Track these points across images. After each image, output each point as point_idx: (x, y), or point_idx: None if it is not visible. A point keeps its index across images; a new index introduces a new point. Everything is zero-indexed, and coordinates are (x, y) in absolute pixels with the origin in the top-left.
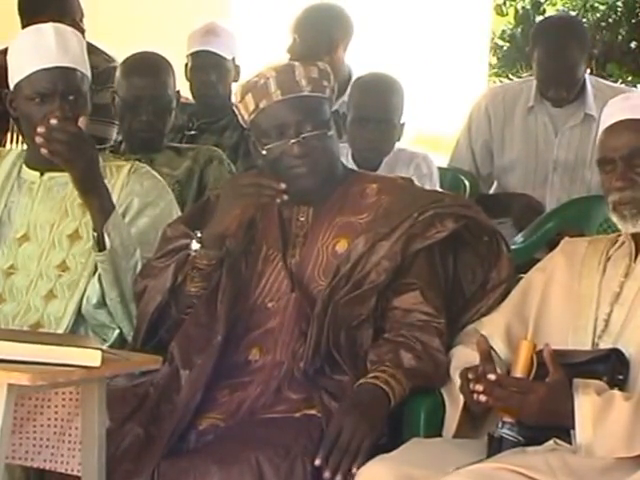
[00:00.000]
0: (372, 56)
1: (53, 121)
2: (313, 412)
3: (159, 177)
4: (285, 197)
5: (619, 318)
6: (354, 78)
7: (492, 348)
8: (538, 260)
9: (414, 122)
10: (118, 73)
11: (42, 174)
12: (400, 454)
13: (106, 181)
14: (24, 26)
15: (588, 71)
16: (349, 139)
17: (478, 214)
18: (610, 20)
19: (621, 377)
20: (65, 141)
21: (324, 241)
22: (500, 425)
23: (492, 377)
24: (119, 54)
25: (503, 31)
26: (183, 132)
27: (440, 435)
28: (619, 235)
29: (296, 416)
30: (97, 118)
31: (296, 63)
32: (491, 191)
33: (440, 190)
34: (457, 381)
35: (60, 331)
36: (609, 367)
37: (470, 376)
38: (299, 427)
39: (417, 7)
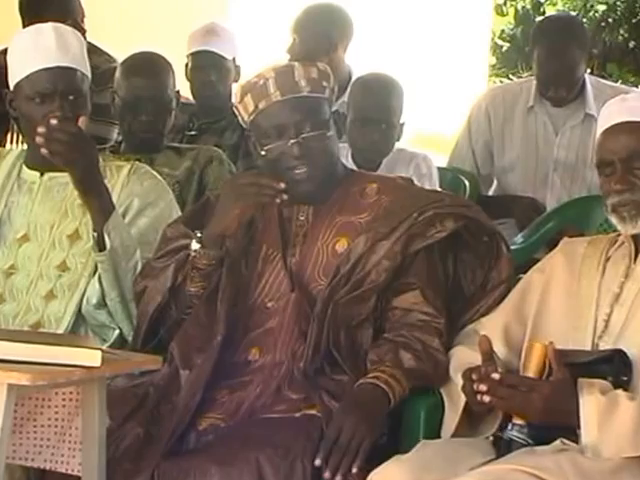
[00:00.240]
0: (372, 56)
1: (53, 121)
2: (313, 412)
3: (159, 177)
4: (285, 197)
5: (619, 319)
6: (354, 78)
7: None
8: (538, 260)
9: (414, 122)
10: (118, 73)
11: (42, 174)
12: (412, 457)
13: (106, 181)
14: (25, 26)
15: (588, 71)
16: (349, 139)
17: (478, 214)
18: (610, 20)
19: (625, 378)
20: (65, 141)
21: (324, 240)
22: (510, 427)
23: (496, 376)
24: (119, 54)
25: (503, 31)
26: (183, 132)
27: (439, 435)
28: (619, 235)
29: (296, 416)
30: (97, 118)
31: (295, 64)
32: (491, 191)
33: (440, 190)
34: (458, 381)
35: (60, 331)
36: (613, 368)
37: (474, 377)
38: (299, 427)
39: (417, 7)
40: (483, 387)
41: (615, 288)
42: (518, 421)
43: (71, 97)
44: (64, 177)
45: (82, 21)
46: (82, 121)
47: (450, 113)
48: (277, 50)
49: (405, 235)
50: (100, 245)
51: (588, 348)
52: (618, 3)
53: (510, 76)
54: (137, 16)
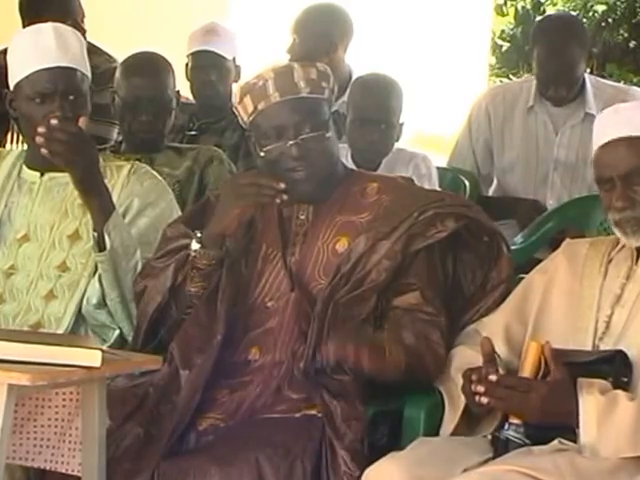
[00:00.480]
0: (372, 56)
1: (53, 121)
2: (313, 412)
3: (159, 177)
4: (285, 197)
5: (620, 320)
6: (354, 78)
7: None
8: (539, 260)
9: (414, 122)
10: (118, 73)
11: (42, 174)
12: (409, 454)
13: (106, 181)
14: (25, 26)
15: (588, 71)
16: (348, 139)
17: (478, 214)
18: (610, 20)
19: (625, 379)
20: (65, 141)
21: (324, 240)
22: (506, 427)
23: (493, 378)
24: (119, 54)
25: (503, 31)
26: (184, 132)
27: (439, 435)
28: None
29: (296, 416)
30: (98, 118)
31: (295, 64)
32: (491, 190)
33: (440, 190)
34: (459, 381)
35: (60, 331)
36: (614, 369)
37: (473, 378)
38: (299, 427)
39: (418, 7)
40: (481, 388)
41: (616, 289)
42: (514, 420)
43: (71, 97)
44: (64, 177)
45: (82, 21)
46: (82, 121)
47: (450, 113)
48: (277, 50)
49: (406, 235)
50: (100, 245)
51: (589, 349)
52: (618, 3)
53: (510, 76)
54: (137, 16)
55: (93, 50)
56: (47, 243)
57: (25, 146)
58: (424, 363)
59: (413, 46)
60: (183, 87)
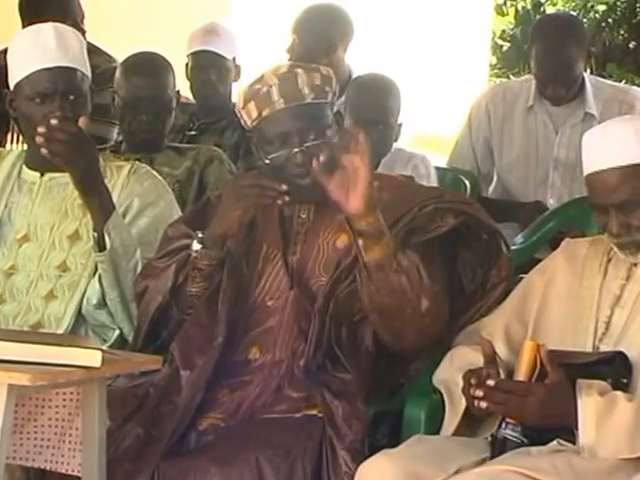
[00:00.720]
0: (372, 56)
1: (53, 121)
2: (314, 412)
3: (159, 177)
4: (286, 198)
5: (620, 321)
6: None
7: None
8: (540, 260)
9: (414, 122)
10: (118, 73)
11: (42, 175)
12: (403, 450)
13: (106, 181)
14: (25, 27)
15: (588, 71)
16: None
17: (478, 211)
18: (610, 20)
19: (625, 380)
20: (65, 141)
21: (325, 237)
22: (503, 426)
23: (491, 383)
24: (119, 54)
25: (503, 31)
26: (184, 132)
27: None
28: None
29: (296, 416)
30: (98, 118)
31: (299, 70)
32: (490, 189)
33: (440, 187)
34: (459, 381)
35: (60, 331)
36: (613, 370)
37: (472, 381)
38: (300, 427)
39: (418, 7)
40: (479, 393)
41: (616, 290)
42: (511, 419)
43: (71, 97)
44: (64, 177)
45: (82, 22)
46: (82, 121)
47: (450, 113)
48: (277, 50)
49: (406, 228)
50: (100, 245)
51: (589, 350)
52: (618, 3)
53: (510, 76)
54: (137, 16)
55: (93, 50)
56: (47, 243)
57: (25, 146)
58: (417, 274)
59: (413, 46)
60: (183, 87)
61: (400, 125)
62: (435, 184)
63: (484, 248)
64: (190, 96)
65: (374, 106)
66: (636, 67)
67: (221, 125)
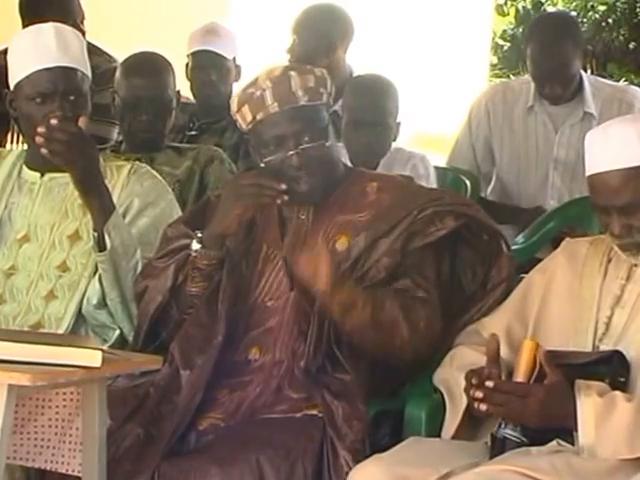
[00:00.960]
0: (373, 56)
1: (53, 121)
2: (314, 412)
3: (159, 177)
4: (285, 197)
5: (620, 321)
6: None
7: None
8: (539, 260)
9: (414, 122)
10: (118, 73)
11: (42, 175)
12: (394, 454)
13: (106, 181)
14: (25, 27)
15: (589, 71)
16: (344, 142)
17: (478, 212)
18: (610, 20)
19: (622, 379)
20: (65, 141)
21: (324, 239)
22: (503, 425)
23: (490, 384)
24: (119, 54)
25: (504, 31)
26: (184, 132)
27: (440, 436)
28: None
29: (297, 416)
30: (98, 118)
31: (292, 73)
32: (489, 189)
33: (440, 188)
34: (460, 381)
35: (60, 331)
36: (611, 369)
37: (473, 381)
38: (300, 428)
39: (418, 7)
40: (479, 394)
41: (616, 290)
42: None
43: (71, 97)
44: (64, 177)
45: (82, 22)
46: (82, 121)
47: (451, 113)
48: (277, 50)
49: (405, 232)
50: (100, 245)
51: (589, 349)
52: (618, 3)
53: (511, 76)
54: (137, 16)
55: (93, 50)
56: (47, 243)
57: (25, 146)
58: (397, 330)
59: (414, 46)
60: (183, 87)
61: (399, 124)
62: (434, 184)
63: (484, 248)
64: (190, 96)
65: (371, 108)
66: (636, 67)
67: (221, 125)
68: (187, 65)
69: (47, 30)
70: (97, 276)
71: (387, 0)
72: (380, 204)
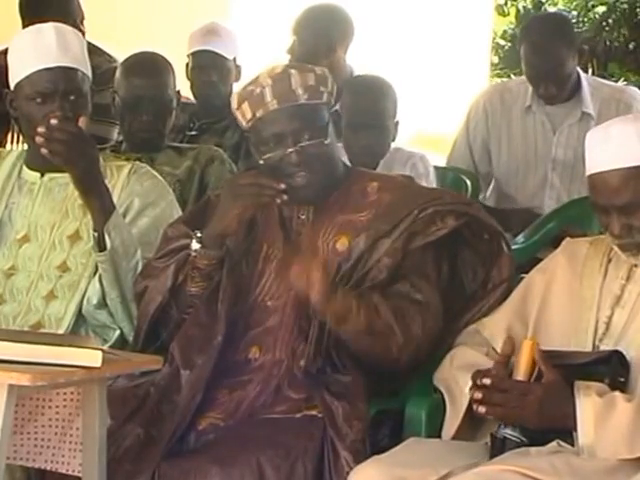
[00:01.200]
0: (373, 56)
1: (53, 121)
2: (314, 413)
3: (159, 177)
4: (285, 197)
5: (620, 321)
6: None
7: (494, 349)
8: (539, 260)
9: (414, 122)
10: (118, 73)
11: (42, 175)
12: (393, 455)
13: (106, 181)
14: (25, 27)
15: (590, 71)
16: (344, 144)
17: (479, 212)
18: (610, 20)
19: (622, 379)
20: (65, 141)
21: (325, 239)
22: (503, 426)
23: (487, 381)
24: (119, 54)
25: (504, 31)
26: (184, 132)
27: (441, 436)
28: None
29: (297, 417)
30: (98, 118)
31: (292, 70)
32: (489, 191)
33: (441, 188)
34: (460, 380)
35: (61, 332)
36: (610, 369)
37: (478, 382)
38: (300, 428)
39: (418, 7)
40: (478, 394)
41: (616, 290)
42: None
43: (72, 97)
44: (64, 178)
45: (81, 23)
46: (82, 121)
47: (451, 113)
48: (278, 50)
49: (406, 232)
50: (100, 245)
51: (589, 349)
52: (618, 4)
53: (512, 76)
54: (138, 16)
55: (93, 50)
56: (47, 243)
57: (25, 146)
58: (393, 336)
59: (414, 46)
60: (183, 87)
61: (397, 124)
62: (434, 183)
63: (485, 248)
64: (190, 96)
65: (369, 110)
66: (637, 67)
67: (222, 125)
68: (187, 65)
69: (47, 30)
70: (97, 276)
71: (387, 0)
72: (381, 204)
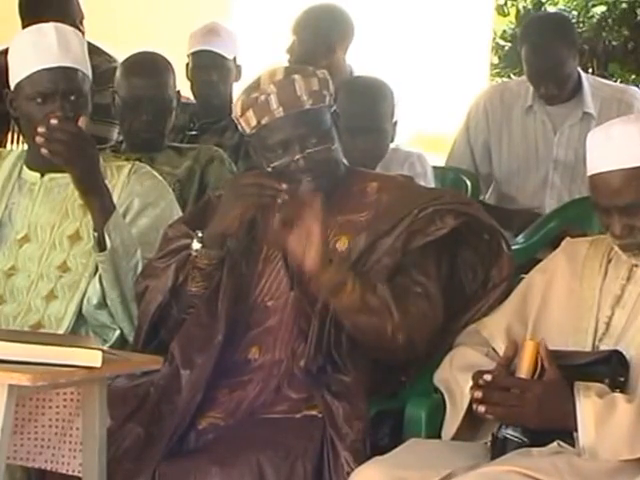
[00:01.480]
0: (373, 56)
1: (53, 121)
2: (314, 413)
3: (160, 177)
4: (286, 197)
5: (620, 321)
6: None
7: (494, 349)
8: (540, 260)
9: (414, 122)
10: (118, 73)
11: (43, 175)
12: (394, 456)
13: (107, 181)
14: (25, 27)
15: (590, 71)
16: (342, 147)
17: (478, 211)
18: (610, 20)
19: (622, 379)
20: (65, 141)
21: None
22: (504, 426)
23: (487, 377)
24: (119, 54)
25: (504, 31)
26: (184, 132)
27: (441, 436)
28: None
29: (297, 417)
30: (98, 118)
31: (296, 76)
32: (489, 191)
33: (440, 188)
34: (461, 381)
35: (61, 332)
36: (610, 369)
37: (480, 382)
38: (300, 428)
39: (419, 7)
40: (479, 394)
41: (616, 290)
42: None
43: (72, 97)
44: (64, 178)
45: (81, 23)
46: (82, 121)
47: (451, 113)
48: (278, 50)
49: (405, 232)
50: (101, 245)
51: (589, 349)
52: (618, 3)
53: (512, 76)
54: (137, 16)
55: (93, 50)
56: (47, 243)
57: (25, 146)
58: (389, 314)
59: (414, 46)
60: (183, 87)
61: (395, 124)
62: (432, 182)
63: (485, 247)
64: (190, 96)
65: (366, 114)
66: (637, 67)
67: (222, 125)
68: (187, 65)
69: (48, 30)
70: (97, 276)
71: (387, 0)
72: (380, 204)
